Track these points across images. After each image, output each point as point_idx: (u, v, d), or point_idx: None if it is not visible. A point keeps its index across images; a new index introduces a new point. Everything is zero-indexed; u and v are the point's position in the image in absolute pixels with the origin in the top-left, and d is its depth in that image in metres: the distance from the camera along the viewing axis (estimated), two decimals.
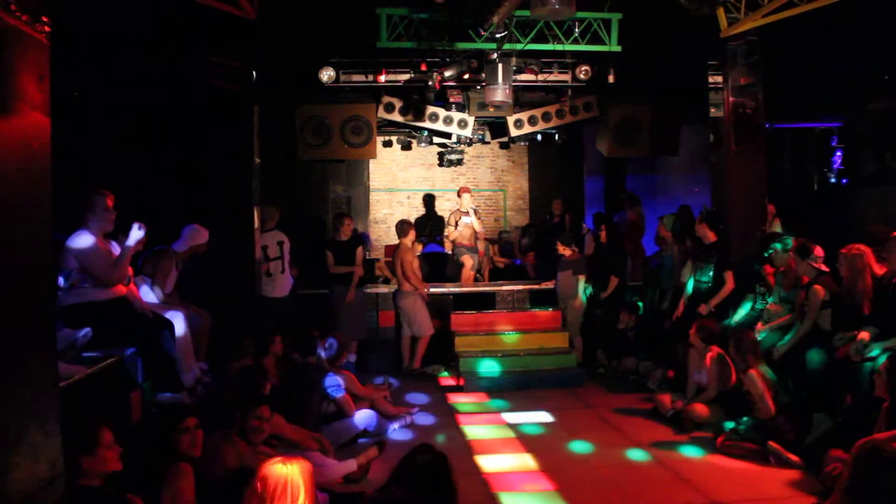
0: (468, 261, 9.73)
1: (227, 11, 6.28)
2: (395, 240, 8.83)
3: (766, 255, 6.80)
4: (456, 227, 9.81)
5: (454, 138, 10.71)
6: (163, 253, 5.66)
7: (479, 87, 9.06)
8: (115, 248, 4.96)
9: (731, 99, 7.57)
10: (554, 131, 11.02)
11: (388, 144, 12.04)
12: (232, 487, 3.58)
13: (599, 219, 9.67)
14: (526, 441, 5.96)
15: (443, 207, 12.65)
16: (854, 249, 5.60)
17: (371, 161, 12.18)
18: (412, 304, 8.33)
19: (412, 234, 8.62)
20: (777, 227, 7.62)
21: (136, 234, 4.80)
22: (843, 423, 5.11)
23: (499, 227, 13.74)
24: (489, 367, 7.88)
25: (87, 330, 4.24)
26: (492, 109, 9.52)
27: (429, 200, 12.94)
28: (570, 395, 7.47)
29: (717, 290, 7.15)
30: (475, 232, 9.87)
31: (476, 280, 10.23)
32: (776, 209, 7.76)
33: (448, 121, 9.99)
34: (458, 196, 10.00)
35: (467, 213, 9.74)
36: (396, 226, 8.72)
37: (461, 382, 7.75)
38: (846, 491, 3.29)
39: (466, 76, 8.71)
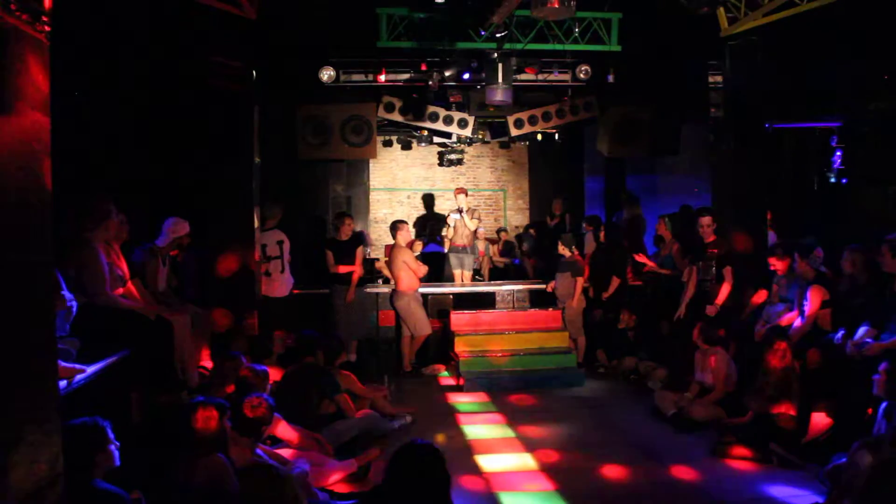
0: (457, 273, 9.76)
1: (227, 11, 6.28)
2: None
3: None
4: (449, 226, 9.82)
5: (454, 138, 10.72)
6: (146, 252, 5.65)
7: (479, 87, 9.06)
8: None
9: (731, 99, 7.57)
10: (554, 131, 11.02)
11: (388, 144, 12.05)
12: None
13: (593, 220, 9.67)
14: (526, 441, 5.96)
15: (443, 207, 12.66)
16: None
17: (371, 161, 12.17)
18: (406, 305, 8.34)
19: (405, 233, 8.61)
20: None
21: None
22: (842, 423, 5.11)
23: (499, 227, 13.74)
24: (489, 367, 7.88)
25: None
26: (492, 109, 9.53)
27: (429, 200, 12.94)
28: (570, 395, 7.47)
29: (719, 289, 7.16)
30: (472, 232, 9.86)
31: (476, 280, 10.24)
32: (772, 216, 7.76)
33: (448, 120, 9.99)
34: (455, 196, 10.03)
35: (457, 211, 9.73)
36: (390, 227, 8.77)
37: (461, 382, 7.75)
38: (859, 495, 3.28)
39: (467, 76, 8.72)
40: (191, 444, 3.65)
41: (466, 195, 10.00)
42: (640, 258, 8.89)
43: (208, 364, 5.78)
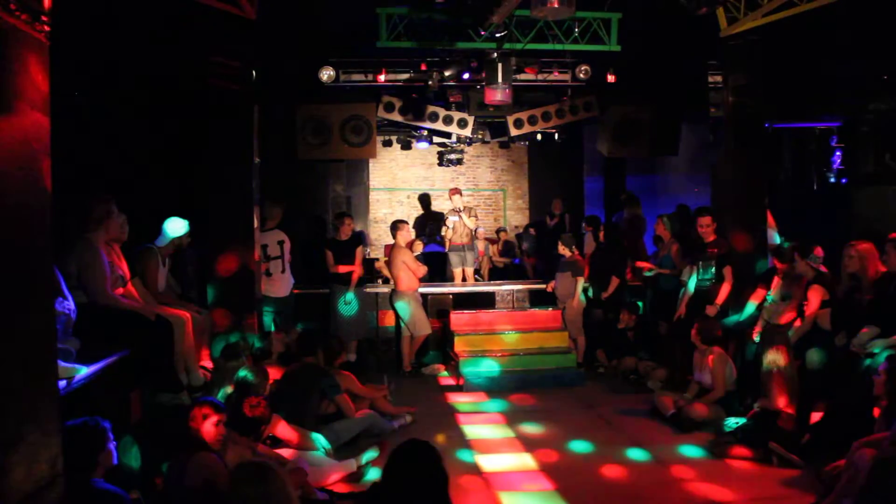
0: (458, 272, 9.80)
1: (227, 11, 6.27)
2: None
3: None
4: (448, 227, 9.85)
5: (454, 138, 10.71)
6: (146, 252, 5.65)
7: (478, 87, 9.06)
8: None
9: (730, 99, 7.57)
10: (554, 131, 11.02)
11: (387, 144, 12.05)
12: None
13: (593, 220, 9.70)
14: (526, 441, 5.96)
15: (442, 207, 12.66)
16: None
17: (371, 161, 12.20)
18: (405, 305, 8.34)
19: (405, 233, 8.62)
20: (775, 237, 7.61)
21: None
22: (841, 423, 5.11)
23: (499, 227, 13.76)
24: (489, 367, 7.88)
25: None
26: (492, 109, 9.52)
27: (428, 200, 12.94)
28: (570, 395, 7.47)
29: (719, 289, 7.18)
30: (471, 231, 9.89)
31: (476, 280, 10.25)
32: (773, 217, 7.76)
33: (448, 120, 9.99)
34: (450, 198, 10.07)
35: (455, 212, 9.77)
36: (390, 227, 8.78)
37: (461, 382, 7.75)
38: (859, 494, 3.28)
39: (466, 76, 8.71)
40: (186, 443, 3.68)
41: (461, 195, 10.03)
42: (641, 264, 8.88)
43: (208, 364, 5.79)
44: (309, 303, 8.65)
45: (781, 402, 5.28)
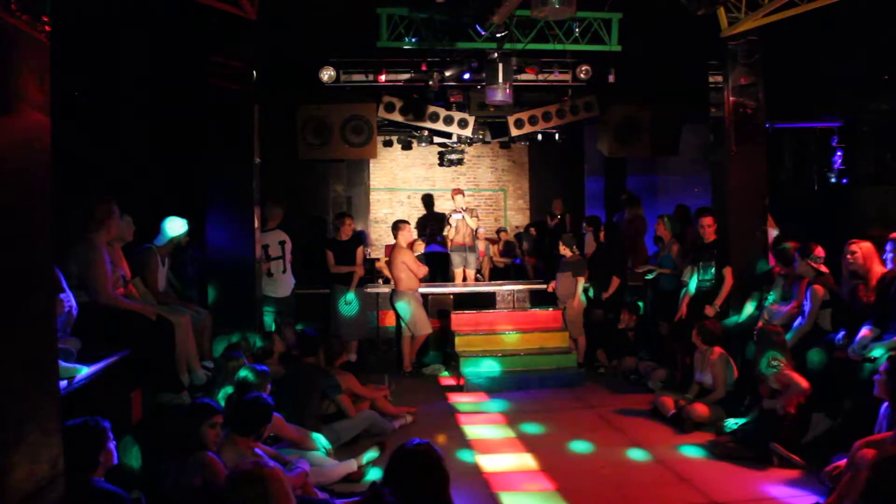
0: (459, 272, 9.83)
1: (227, 11, 6.28)
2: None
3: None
4: (450, 226, 9.87)
5: (454, 138, 10.72)
6: (146, 252, 5.65)
7: (479, 87, 9.07)
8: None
9: (731, 99, 7.56)
10: (554, 131, 11.03)
11: (388, 144, 12.06)
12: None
13: (593, 220, 9.70)
14: (526, 441, 5.96)
15: (443, 207, 12.67)
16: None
17: (371, 161, 12.19)
18: (406, 305, 8.34)
19: (406, 233, 8.63)
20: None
21: None
22: (842, 423, 5.11)
23: (499, 227, 13.77)
24: (489, 367, 7.88)
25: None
26: (492, 109, 9.53)
27: (429, 200, 12.94)
28: (570, 395, 7.47)
29: (720, 289, 7.18)
30: (473, 231, 9.90)
31: (476, 280, 10.26)
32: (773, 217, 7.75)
33: (448, 120, 9.99)
34: (452, 198, 10.08)
35: (458, 212, 9.80)
36: (391, 227, 8.80)
37: (461, 382, 7.75)
38: (859, 495, 3.27)
39: (467, 76, 8.72)
40: (184, 442, 3.69)
41: (464, 195, 10.04)
42: (640, 269, 8.86)
43: (209, 364, 5.79)
44: (309, 303, 8.66)
45: (805, 383, 5.23)
